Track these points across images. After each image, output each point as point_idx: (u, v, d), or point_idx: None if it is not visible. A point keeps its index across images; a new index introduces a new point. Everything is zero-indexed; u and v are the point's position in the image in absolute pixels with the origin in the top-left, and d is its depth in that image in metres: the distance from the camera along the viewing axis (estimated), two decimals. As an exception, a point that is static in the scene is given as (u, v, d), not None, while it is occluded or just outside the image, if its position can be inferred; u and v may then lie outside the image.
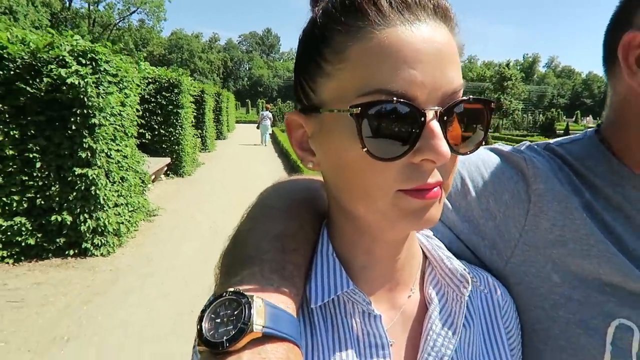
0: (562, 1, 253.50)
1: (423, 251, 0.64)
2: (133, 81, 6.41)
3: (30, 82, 4.91)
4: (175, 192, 9.35)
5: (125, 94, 6.11)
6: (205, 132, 16.01)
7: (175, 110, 10.77)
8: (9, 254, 5.07)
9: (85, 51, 5.23)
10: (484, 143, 0.51)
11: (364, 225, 0.54)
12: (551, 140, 0.77)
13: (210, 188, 10.03)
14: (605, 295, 0.63)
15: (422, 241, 0.64)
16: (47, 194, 5.16)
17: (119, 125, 5.90)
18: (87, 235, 5.35)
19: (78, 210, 5.28)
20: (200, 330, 0.43)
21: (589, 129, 0.77)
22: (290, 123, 0.55)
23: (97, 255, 5.39)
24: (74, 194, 5.24)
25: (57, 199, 5.20)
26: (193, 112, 12.29)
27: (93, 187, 5.30)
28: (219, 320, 0.44)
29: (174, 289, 4.56)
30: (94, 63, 5.26)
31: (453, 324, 0.57)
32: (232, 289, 0.46)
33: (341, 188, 0.52)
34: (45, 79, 4.93)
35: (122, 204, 6.03)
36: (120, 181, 6.01)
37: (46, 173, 5.14)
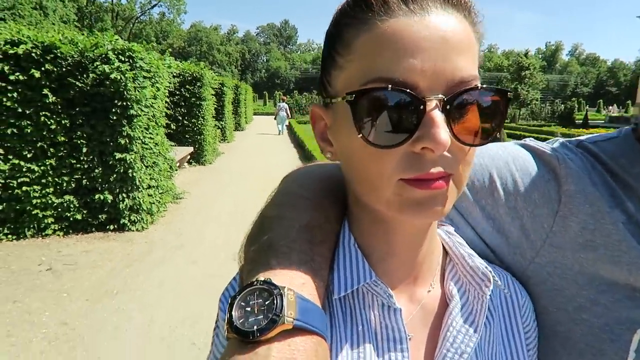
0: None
1: (444, 247, 0.64)
2: (163, 76, 7.12)
3: (79, 77, 5.65)
4: (198, 179, 10.10)
5: (157, 87, 6.82)
6: (225, 123, 16.78)
7: (197, 103, 11.52)
8: (59, 227, 5.87)
9: (124, 49, 5.93)
10: (499, 135, 0.50)
11: (379, 215, 0.53)
12: (584, 137, 0.74)
13: (229, 175, 10.77)
14: (635, 301, 0.60)
15: (444, 237, 0.64)
16: (92, 175, 5.92)
17: (151, 116, 6.62)
18: (125, 212, 6.11)
19: (117, 190, 6.04)
20: (230, 318, 0.43)
21: (625, 127, 0.73)
22: (313, 115, 0.57)
23: (133, 230, 6.15)
24: (114, 175, 5.99)
25: (99, 180, 5.96)
26: (214, 104, 13.04)
27: (130, 170, 6.05)
28: (249, 309, 0.44)
29: (201, 258, 5.27)
30: (131, 60, 5.96)
31: (474, 322, 0.57)
32: (262, 278, 0.46)
33: (352, 178, 0.52)
34: (91, 75, 5.66)
35: (153, 186, 6.77)
36: (152, 165, 6.75)
37: (91, 157, 5.90)
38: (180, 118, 11.35)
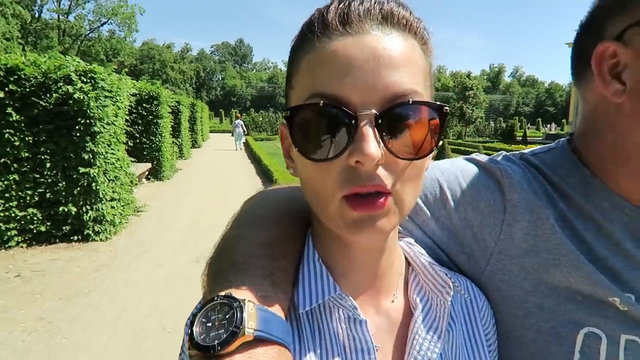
0: (527, 13, 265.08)
1: (406, 258, 0.65)
2: (123, 95, 7.54)
3: (42, 97, 6.00)
4: (157, 193, 10.41)
5: (118, 106, 7.24)
6: (182, 140, 17.06)
7: (155, 121, 11.86)
8: (23, 239, 6.11)
9: (87, 71, 6.35)
10: (436, 148, 0.51)
11: (334, 231, 0.53)
12: (526, 150, 0.78)
13: (188, 189, 11.15)
14: (575, 303, 0.64)
15: (405, 248, 0.65)
16: (55, 189, 6.23)
17: (112, 133, 7.01)
18: (89, 223, 6.44)
19: (81, 202, 6.37)
20: (191, 334, 0.43)
21: (561, 139, 0.77)
22: (281, 134, 0.58)
23: (97, 240, 6.47)
24: (78, 189, 6.33)
25: (63, 193, 6.27)
26: (170, 121, 13.39)
27: (94, 184, 6.40)
28: (210, 324, 0.44)
29: (164, 261, 5.71)
30: (93, 80, 6.38)
31: (438, 329, 0.59)
32: (223, 293, 0.46)
33: (305, 195, 0.54)
34: (54, 95, 6.03)
35: (116, 199, 7.11)
36: (115, 179, 7.10)
37: (54, 172, 6.21)
38: (138, 135, 11.62)
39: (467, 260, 0.72)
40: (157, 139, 12.04)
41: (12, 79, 5.80)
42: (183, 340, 0.53)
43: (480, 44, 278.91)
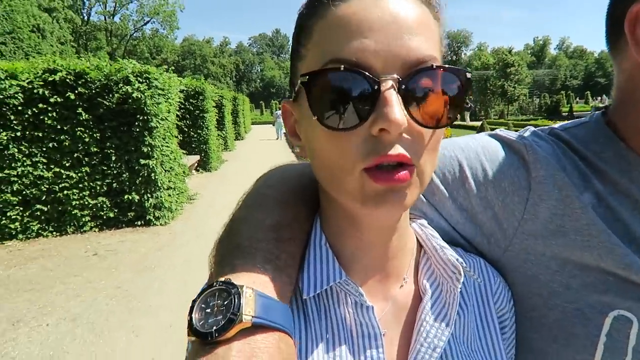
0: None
1: (418, 240, 0.63)
2: (174, 93, 8.20)
3: (105, 97, 6.72)
4: (206, 183, 11.15)
5: (169, 103, 7.90)
6: (226, 132, 17.88)
7: (201, 115, 12.62)
8: (95, 224, 6.92)
9: (142, 72, 7.01)
10: (460, 116, 0.49)
11: (348, 210, 0.52)
12: (556, 125, 0.74)
13: (234, 179, 11.83)
14: (606, 285, 0.60)
15: (417, 230, 0.63)
16: (120, 179, 6.98)
17: (166, 127, 7.69)
18: (150, 210, 7.16)
19: (142, 191, 7.10)
20: (190, 321, 0.43)
21: (596, 112, 0.72)
22: (284, 112, 0.57)
23: (157, 225, 7.19)
24: (139, 179, 7.05)
25: (127, 183, 7.02)
26: (215, 115, 14.14)
27: (153, 174, 7.10)
28: (208, 310, 0.44)
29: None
30: (147, 80, 7.04)
31: (447, 316, 0.57)
32: (222, 279, 0.46)
33: (317, 171, 0.52)
34: (116, 95, 6.73)
35: (171, 188, 7.82)
36: (170, 170, 7.80)
37: (119, 164, 6.96)
38: (186, 129, 12.42)
39: (486, 242, 0.69)
40: (204, 132, 12.81)
41: (80, 82, 6.55)
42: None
43: (523, 16, 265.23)
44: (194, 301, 0.45)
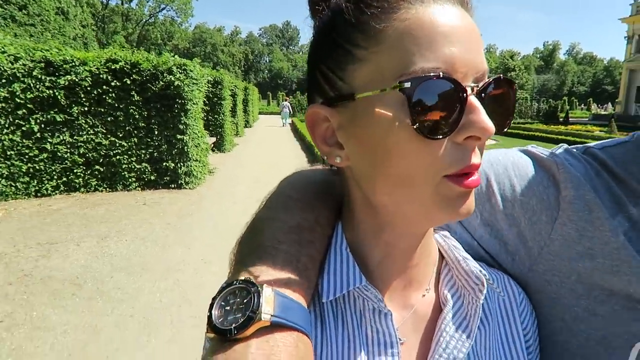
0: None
1: (440, 251, 0.63)
2: (203, 82, 9.94)
3: (153, 83, 8.46)
4: (222, 161, 12.93)
5: (200, 90, 9.64)
6: (237, 119, 19.65)
7: (219, 102, 14.38)
8: (138, 184, 8.70)
9: (181, 64, 8.74)
10: (509, 124, 0.51)
11: (390, 218, 0.53)
12: (592, 143, 0.71)
13: (246, 158, 13.64)
14: (634, 314, 0.58)
15: (439, 241, 0.63)
16: (160, 150, 8.74)
17: (197, 110, 9.43)
18: (182, 176, 8.93)
19: (177, 160, 8.86)
20: (210, 317, 0.44)
21: (637, 132, 0.68)
22: (312, 117, 0.52)
23: (187, 189, 8.96)
24: (175, 150, 8.81)
25: (165, 153, 8.78)
26: (230, 103, 15.89)
27: (185, 147, 8.86)
28: (228, 308, 0.44)
29: (238, 201, 8.08)
30: (185, 71, 8.77)
31: (468, 327, 0.56)
32: (242, 278, 0.47)
33: (376, 178, 0.49)
34: (161, 82, 8.47)
35: (198, 160, 9.58)
36: (197, 146, 9.56)
37: (160, 137, 8.72)
38: (205, 114, 14.16)
39: (510, 259, 0.67)
40: (220, 117, 14.58)
41: (134, 70, 8.29)
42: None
43: (536, 19, 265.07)
44: (213, 299, 0.46)
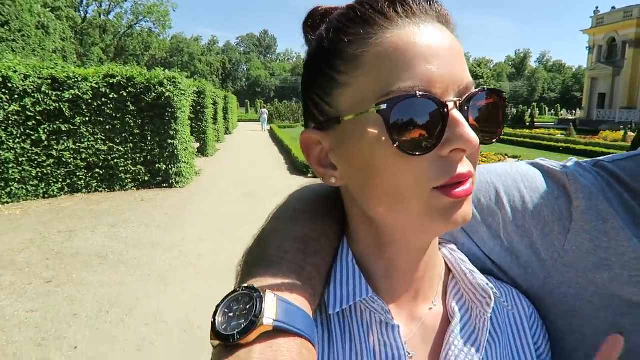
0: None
1: (447, 264, 0.63)
2: (189, 93, 11.09)
3: (146, 95, 9.59)
4: (206, 164, 14.06)
5: (187, 99, 10.79)
6: (218, 126, 20.78)
7: (202, 110, 15.52)
8: (134, 185, 9.79)
9: (171, 77, 9.90)
10: (500, 132, 0.52)
11: (388, 233, 0.54)
12: (602, 157, 0.71)
13: (228, 161, 14.81)
14: None
15: (446, 254, 0.63)
16: (153, 153, 9.86)
17: (184, 118, 10.58)
18: (173, 176, 10.06)
19: (168, 162, 9.99)
20: (213, 324, 0.44)
21: None
22: (306, 142, 0.54)
23: (177, 187, 10.09)
24: (166, 153, 9.94)
25: (158, 156, 9.90)
26: (212, 111, 17.04)
27: (175, 150, 10.00)
28: (231, 314, 0.44)
29: (222, 198, 9.25)
30: (174, 84, 9.92)
31: (477, 341, 0.56)
32: (245, 285, 0.47)
33: (369, 195, 0.51)
34: (153, 94, 9.61)
35: (186, 162, 10.71)
36: (185, 149, 10.69)
37: (152, 142, 9.83)
38: (190, 121, 15.27)
39: (523, 273, 0.65)
40: (203, 124, 15.73)
41: (130, 84, 9.42)
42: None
43: (508, 28, 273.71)
44: (217, 306, 0.46)
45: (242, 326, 0.42)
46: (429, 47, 0.45)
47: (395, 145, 0.44)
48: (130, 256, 5.61)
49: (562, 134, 26.89)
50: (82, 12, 53.19)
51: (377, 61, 0.46)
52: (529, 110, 45.66)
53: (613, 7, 42.04)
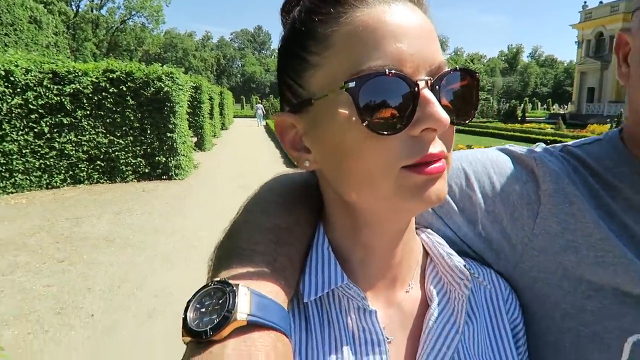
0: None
1: (424, 248, 0.63)
2: (186, 87, 11.40)
3: (145, 89, 9.89)
4: (204, 158, 14.40)
5: (185, 94, 11.11)
6: (214, 122, 21.08)
7: (199, 105, 15.83)
8: (135, 177, 10.12)
9: (169, 73, 10.21)
10: (474, 114, 0.52)
11: (364, 217, 0.53)
12: (571, 142, 0.73)
13: (225, 155, 15.15)
14: (623, 306, 0.57)
15: (423, 238, 0.64)
16: (153, 146, 10.18)
17: (183, 112, 10.90)
18: (172, 168, 10.39)
19: (168, 155, 10.31)
20: (184, 320, 0.43)
21: (611, 130, 0.71)
22: (281, 125, 0.54)
23: (177, 179, 10.42)
24: (165, 146, 10.26)
25: (157, 149, 10.22)
26: (209, 106, 17.35)
27: (174, 144, 10.32)
28: (203, 310, 0.43)
29: (220, 190, 9.60)
30: (172, 79, 10.23)
31: (455, 323, 0.56)
32: (217, 279, 0.46)
33: (342, 178, 0.50)
34: (152, 88, 9.91)
35: (185, 155, 11.04)
36: (184, 143, 11.02)
37: (152, 136, 10.15)
38: (187, 116, 15.58)
39: (495, 257, 0.67)
40: (200, 119, 16.04)
41: (129, 79, 9.73)
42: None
43: (501, 23, 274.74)
44: (188, 302, 0.44)
45: (215, 322, 0.41)
46: (400, 26, 0.45)
47: (365, 125, 0.44)
48: (136, 240, 5.96)
49: (552, 128, 27.43)
50: (74, 7, 53.03)
51: (347, 40, 0.45)
52: (522, 105, 46.21)
53: (600, 2, 42.68)
